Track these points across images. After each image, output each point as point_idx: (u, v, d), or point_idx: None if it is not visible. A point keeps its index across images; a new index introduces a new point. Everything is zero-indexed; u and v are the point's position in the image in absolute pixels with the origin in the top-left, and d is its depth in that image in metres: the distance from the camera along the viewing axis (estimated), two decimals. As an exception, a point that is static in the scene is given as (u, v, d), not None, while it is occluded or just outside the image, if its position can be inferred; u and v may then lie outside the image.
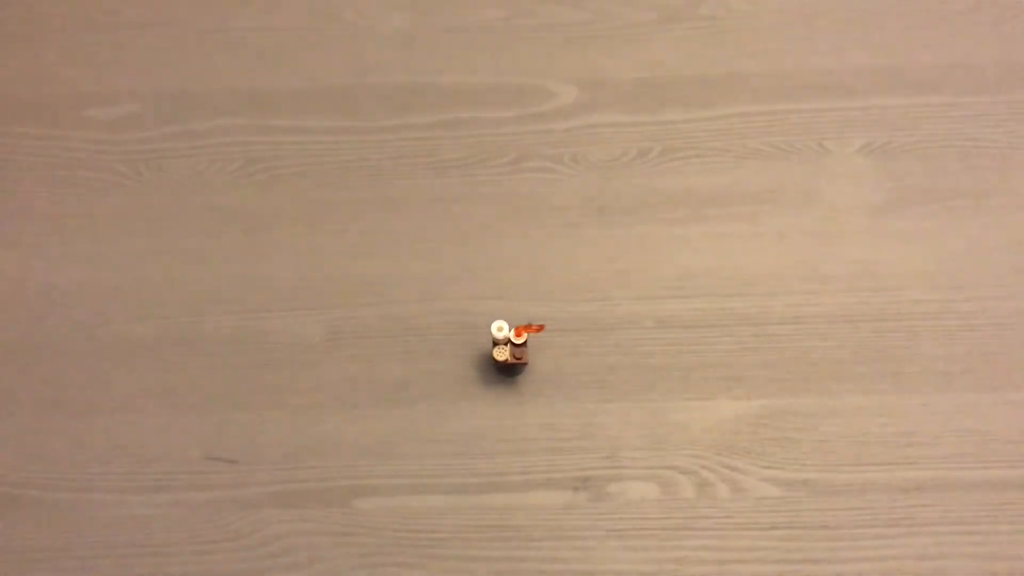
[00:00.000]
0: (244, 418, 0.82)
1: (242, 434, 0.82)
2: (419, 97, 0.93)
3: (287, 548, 0.79)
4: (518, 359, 0.81)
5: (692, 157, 0.90)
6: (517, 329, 0.80)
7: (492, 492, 0.80)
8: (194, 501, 0.80)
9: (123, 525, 0.80)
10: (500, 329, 0.80)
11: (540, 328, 0.80)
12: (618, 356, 0.84)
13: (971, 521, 0.78)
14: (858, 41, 0.94)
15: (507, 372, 0.83)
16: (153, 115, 0.92)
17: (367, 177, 0.90)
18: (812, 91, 0.92)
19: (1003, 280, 0.85)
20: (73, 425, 0.82)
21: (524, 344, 0.80)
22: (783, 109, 0.92)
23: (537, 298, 0.86)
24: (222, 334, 0.85)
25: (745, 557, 0.78)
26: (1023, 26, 0.94)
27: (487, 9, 0.96)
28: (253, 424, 0.82)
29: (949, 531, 0.78)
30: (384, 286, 0.86)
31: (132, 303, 0.86)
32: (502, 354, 0.81)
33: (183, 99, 0.93)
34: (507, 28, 0.95)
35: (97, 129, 0.92)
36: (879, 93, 0.92)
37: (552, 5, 0.96)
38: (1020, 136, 0.90)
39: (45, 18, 0.96)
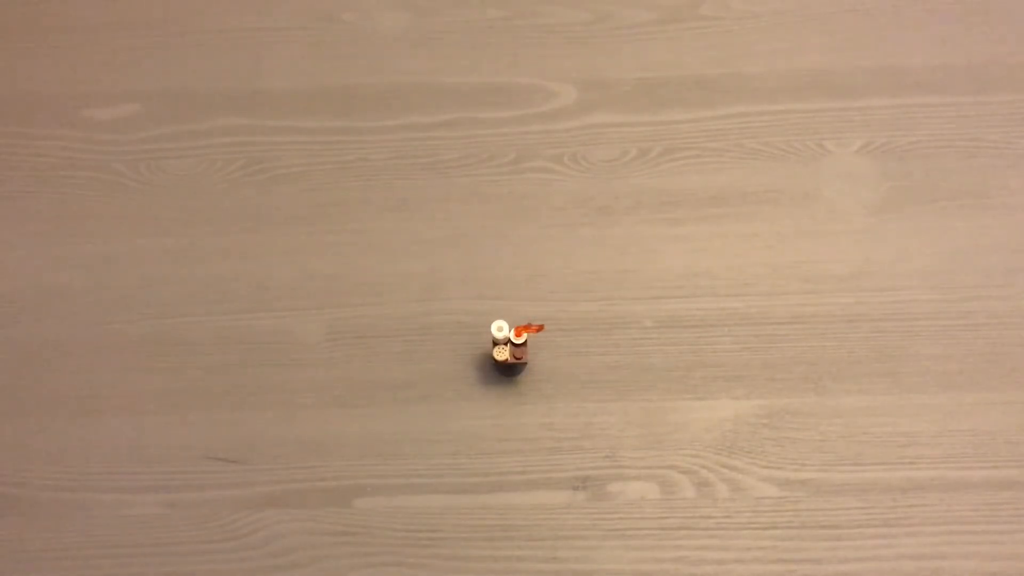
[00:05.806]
0: (244, 418, 0.82)
1: (242, 434, 0.82)
2: (419, 97, 0.93)
3: (287, 548, 0.79)
4: (518, 359, 0.81)
5: (692, 157, 0.90)
6: (517, 329, 0.80)
7: (492, 492, 0.80)
8: (194, 501, 0.80)
9: (123, 525, 0.80)
10: (500, 329, 0.80)
11: (540, 328, 0.80)
12: (618, 356, 0.84)
13: (971, 521, 0.78)
14: (857, 41, 0.94)
15: (507, 372, 0.83)
16: (153, 115, 0.92)
17: (367, 177, 0.90)
18: (812, 91, 0.92)
19: (1003, 280, 0.85)
20: (73, 425, 0.82)
21: (524, 344, 0.80)
22: (783, 109, 0.92)
23: (537, 298, 0.85)
24: (222, 334, 0.85)
25: (745, 557, 0.78)
26: (1023, 26, 0.94)
27: (487, 9, 0.96)
28: (253, 424, 0.82)
29: (949, 531, 0.78)
30: (384, 286, 0.86)
31: (132, 303, 0.86)
32: (502, 354, 0.81)
33: (183, 99, 0.93)
34: (507, 28, 0.95)
35: (97, 129, 0.92)
36: (879, 93, 0.92)
37: (552, 5, 0.96)
38: (1020, 136, 0.90)
39: (45, 18, 0.96)
